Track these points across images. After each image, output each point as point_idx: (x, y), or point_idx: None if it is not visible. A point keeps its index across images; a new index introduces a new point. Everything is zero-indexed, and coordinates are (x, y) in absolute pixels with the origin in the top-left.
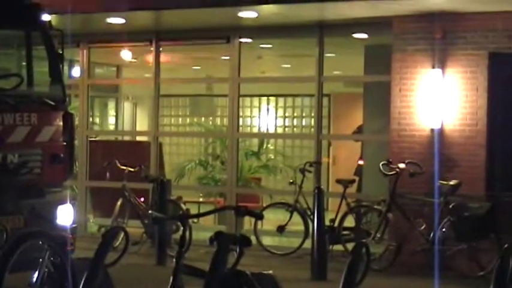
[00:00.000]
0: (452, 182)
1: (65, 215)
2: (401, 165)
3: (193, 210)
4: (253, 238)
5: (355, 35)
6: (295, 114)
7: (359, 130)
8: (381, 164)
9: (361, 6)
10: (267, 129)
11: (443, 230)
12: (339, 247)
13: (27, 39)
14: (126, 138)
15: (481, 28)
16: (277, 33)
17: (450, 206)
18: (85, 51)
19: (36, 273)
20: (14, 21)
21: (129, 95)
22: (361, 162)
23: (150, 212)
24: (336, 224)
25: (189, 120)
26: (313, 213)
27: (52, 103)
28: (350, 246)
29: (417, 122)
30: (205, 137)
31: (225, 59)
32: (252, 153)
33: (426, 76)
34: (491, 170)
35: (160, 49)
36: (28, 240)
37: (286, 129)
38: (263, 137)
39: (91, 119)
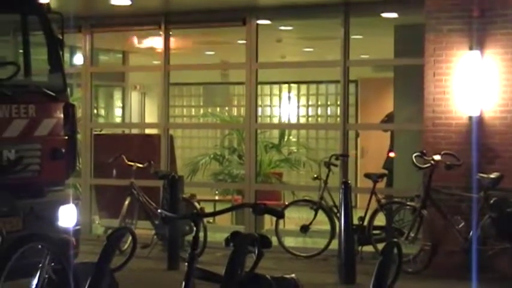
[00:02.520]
0: (493, 175)
1: (67, 216)
2: (437, 157)
3: (208, 209)
4: (274, 239)
5: (384, 15)
6: (319, 103)
7: (388, 118)
8: (413, 156)
9: None
10: (289, 120)
11: (484, 228)
12: (368, 248)
13: (24, 23)
14: (134, 131)
15: None
16: (298, 13)
17: (491, 202)
18: (88, 36)
19: (36, 280)
20: (8, 4)
21: (136, 84)
22: (392, 154)
23: (160, 211)
24: (365, 222)
25: (202, 111)
26: (339, 211)
27: (52, 93)
28: (381, 246)
29: (454, 109)
30: (220, 129)
31: (241, 43)
32: (272, 145)
33: (463, 59)
34: None
35: (170, 33)
36: (26, 244)
37: (310, 119)
38: (284, 127)
39: (95, 111)
